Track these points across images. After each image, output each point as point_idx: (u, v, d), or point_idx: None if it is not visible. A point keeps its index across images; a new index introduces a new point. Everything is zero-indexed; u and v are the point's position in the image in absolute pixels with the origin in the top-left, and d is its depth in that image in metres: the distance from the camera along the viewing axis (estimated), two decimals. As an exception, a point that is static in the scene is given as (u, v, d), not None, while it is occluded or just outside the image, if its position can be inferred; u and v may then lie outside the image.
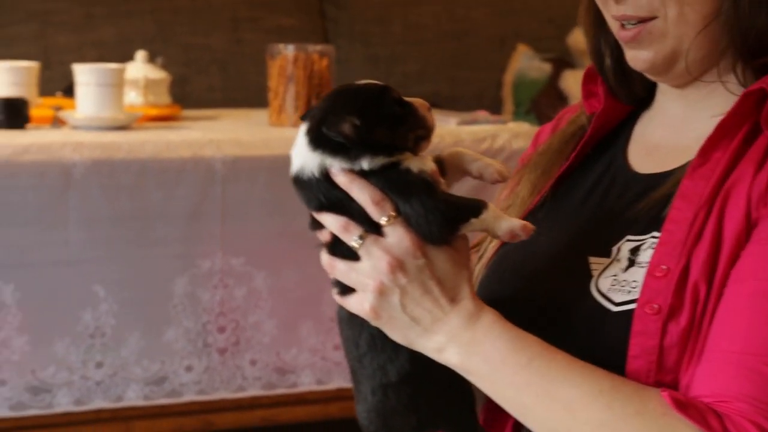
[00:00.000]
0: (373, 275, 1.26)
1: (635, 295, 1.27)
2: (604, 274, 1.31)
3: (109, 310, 3.12)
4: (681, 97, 1.41)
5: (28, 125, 3.33)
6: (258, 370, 3.28)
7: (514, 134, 3.50)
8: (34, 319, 3.06)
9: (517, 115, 5.30)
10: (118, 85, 3.39)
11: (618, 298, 1.29)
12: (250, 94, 4.81)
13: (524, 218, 1.43)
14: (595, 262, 1.34)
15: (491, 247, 1.48)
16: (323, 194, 1.28)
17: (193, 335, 3.20)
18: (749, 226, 1.24)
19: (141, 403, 3.18)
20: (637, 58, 1.36)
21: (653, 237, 1.30)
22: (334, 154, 1.26)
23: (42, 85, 3.70)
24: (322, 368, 3.34)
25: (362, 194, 1.26)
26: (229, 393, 3.26)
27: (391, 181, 1.25)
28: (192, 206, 3.17)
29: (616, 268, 1.31)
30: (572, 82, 5.39)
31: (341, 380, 3.34)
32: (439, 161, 1.33)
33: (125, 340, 3.15)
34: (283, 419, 3.37)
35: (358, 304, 1.28)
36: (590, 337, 1.29)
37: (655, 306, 1.24)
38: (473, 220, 1.25)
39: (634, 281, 1.28)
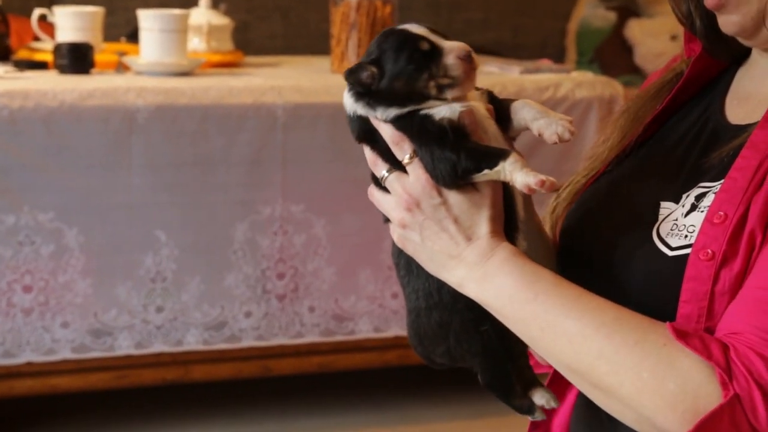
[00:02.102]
0: (396, 211, 1.33)
1: (691, 240, 1.27)
2: (667, 219, 1.32)
3: (170, 255, 3.15)
4: None
5: (93, 70, 3.36)
6: (316, 317, 3.30)
7: (577, 83, 3.47)
8: (97, 263, 3.10)
9: (581, 64, 5.25)
10: (181, 31, 3.41)
11: (674, 243, 1.29)
12: (312, 41, 4.81)
13: (610, 163, 1.47)
14: (665, 208, 1.34)
15: (579, 180, 1.51)
16: (360, 129, 1.34)
17: (252, 281, 3.23)
18: None
19: (200, 347, 3.21)
20: (727, 22, 1.35)
21: (720, 184, 1.30)
22: (357, 99, 1.32)
23: (106, 30, 3.72)
24: (380, 316, 3.36)
25: (386, 132, 1.31)
26: (288, 339, 3.28)
27: (408, 127, 1.30)
28: (253, 152, 3.18)
29: (678, 213, 1.32)
30: (637, 31, 5.33)
31: (398, 328, 3.36)
32: (506, 108, 1.35)
33: (185, 285, 3.18)
34: (341, 366, 3.39)
35: (392, 233, 1.36)
36: (646, 281, 1.30)
37: (709, 252, 1.24)
38: (487, 171, 1.28)
39: (692, 226, 1.28)
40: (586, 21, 5.37)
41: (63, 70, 3.31)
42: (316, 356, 3.34)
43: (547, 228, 1.48)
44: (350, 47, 3.54)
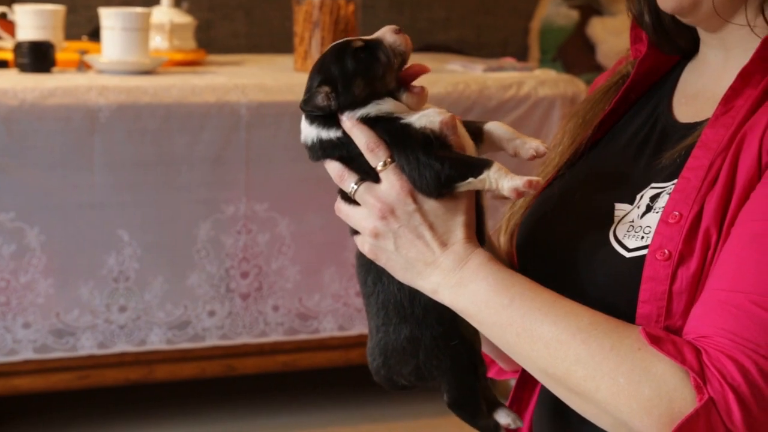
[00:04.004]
0: (368, 221, 1.32)
1: (648, 241, 1.28)
2: (623, 221, 1.33)
3: (133, 255, 3.14)
4: (720, 44, 1.40)
5: (54, 69, 3.33)
6: (280, 316, 3.30)
7: (540, 81, 3.48)
8: (59, 263, 3.08)
9: (544, 63, 5.27)
10: (143, 29, 3.39)
11: (631, 244, 1.30)
12: (275, 40, 4.80)
13: (561, 168, 1.48)
14: (620, 209, 1.36)
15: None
16: (324, 150, 1.34)
17: (216, 280, 3.22)
18: (760, 171, 1.25)
19: (164, 347, 3.20)
20: (665, 0, 1.37)
21: (673, 185, 1.31)
22: (326, 125, 1.32)
23: (68, 28, 3.70)
24: (344, 314, 3.35)
25: (361, 139, 1.30)
26: (251, 338, 3.28)
27: (391, 133, 1.30)
28: (216, 151, 3.17)
29: (634, 215, 1.33)
30: (599, 30, 5.36)
31: (363, 326, 3.36)
32: (479, 130, 1.36)
33: (149, 285, 3.16)
34: (305, 365, 3.39)
35: (360, 246, 1.35)
36: (605, 282, 1.32)
37: (666, 252, 1.26)
38: (471, 180, 1.28)
39: (648, 227, 1.30)
40: (548, 19, 5.39)
41: (24, 68, 3.29)
42: (280, 355, 3.34)
43: (502, 235, 1.49)
44: (313, 45, 3.54)
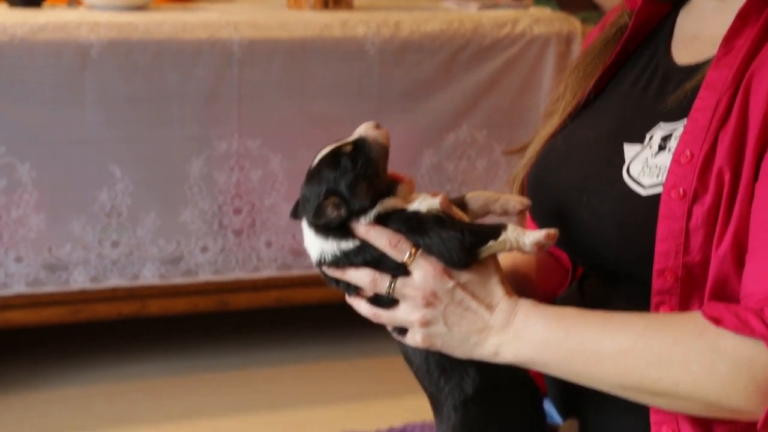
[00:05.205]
0: (414, 313, 1.35)
1: (663, 179, 1.33)
2: (636, 159, 1.37)
3: (125, 190, 3.13)
4: None
5: (44, 4, 3.31)
6: (273, 252, 3.30)
7: (535, 19, 3.46)
8: (51, 198, 3.08)
9: (539, 1, 5.25)
10: (134, -36, 3.36)
11: (647, 182, 1.34)
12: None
13: (566, 119, 1.52)
14: (630, 149, 1.39)
15: (539, 140, 1.55)
16: (350, 263, 1.36)
17: (208, 216, 3.22)
18: None
19: (156, 282, 3.21)
20: None
21: (682, 124, 1.35)
22: (342, 236, 1.34)
23: (58, -38, 3.66)
24: (337, 251, 3.36)
25: (381, 240, 1.33)
26: (245, 274, 3.29)
27: (406, 223, 1.33)
28: (208, 88, 3.16)
29: (646, 153, 1.37)
30: (595, -32, 5.32)
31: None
32: (461, 202, 1.40)
33: (141, 220, 3.16)
34: (298, 300, 3.40)
35: (412, 340, 1.38)
36: (622, 219, 1.35)
37: (680, 190, 1.30)
38: (492, 243, 1.33)
39: (664, 166, 1.34)
40: (543, -44, 5.35)
41: (13, 3, 3.27)
42: (273, 290, 3.35)
43: (514, 189, 1.54)
44: (306, -19, 3.51)
